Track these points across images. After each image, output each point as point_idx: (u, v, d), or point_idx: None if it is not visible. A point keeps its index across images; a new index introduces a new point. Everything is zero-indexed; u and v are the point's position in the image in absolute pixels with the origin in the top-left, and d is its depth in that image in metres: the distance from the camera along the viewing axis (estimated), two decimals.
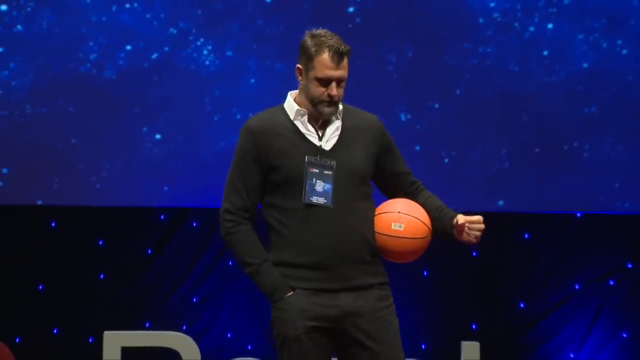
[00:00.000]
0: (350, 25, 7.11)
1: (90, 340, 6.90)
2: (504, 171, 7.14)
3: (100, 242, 7.02)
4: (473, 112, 7.11)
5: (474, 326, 7.16)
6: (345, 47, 3.73)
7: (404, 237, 3.70)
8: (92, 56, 7.01)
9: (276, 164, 3.68)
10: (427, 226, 3.75)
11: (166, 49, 7.05)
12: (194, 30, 7.07)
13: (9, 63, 6.95)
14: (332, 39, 3.74)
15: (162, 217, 7.09)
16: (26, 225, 6.97)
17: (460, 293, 7.16)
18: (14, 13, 6.97)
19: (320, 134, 3.73)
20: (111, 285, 6.98)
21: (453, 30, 7.13)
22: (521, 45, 7.13)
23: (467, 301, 7.16)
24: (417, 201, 3.84)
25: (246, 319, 6.97)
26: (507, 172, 7.13)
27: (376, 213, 3.73)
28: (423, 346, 7.12)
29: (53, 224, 7.01)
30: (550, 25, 7.16)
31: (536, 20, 7.15)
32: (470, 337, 6.96)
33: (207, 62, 7.07)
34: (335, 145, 3.73)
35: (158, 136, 7.04)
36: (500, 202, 7.15)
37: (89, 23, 7.02)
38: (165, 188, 7.02)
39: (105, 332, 6.54)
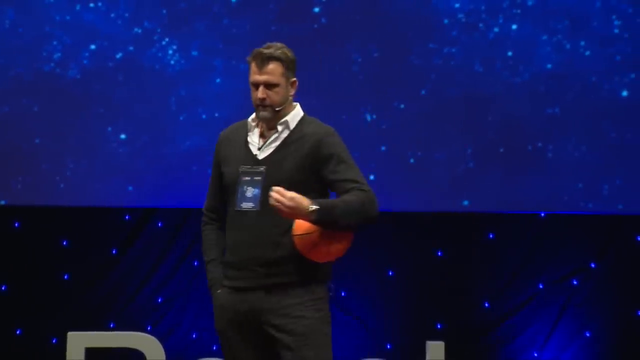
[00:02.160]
0: (315, 26, 7.16)
1: (53, 341, 6.91)
2: (469, 171, 7.20)
3: (65, 243, 7.03)
4: (438, 112, 7.17)
5: (438, 326, 7.22)
6: (269, 51, 3.98)
7: (296, 235, 3.88)
8: (56, 55, 7.02)
9: (222, 169, 4.08)
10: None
11: (131, 48, 7.06)
12: (158, 30, 7.09)
13: None
14: (263, 47, 4.01)
15: (127, 217, 7.09)
16: None
17: (426, 293, 7.21)
18: None
19: (262, 144, 4.03)
20: (76, 285, 6.98)
21: (418, 30, 7.19)
22: (486, 46, 7.20)
23: (432, 301, 7.21)
24: None
25: (211, 319, 6.99)
26: (472, 172, 7.20)
27: None
28: (388, 346, 7.17)
29: (17, 224, 7.02)
30: (514, 26, 7.23)
31: (500, 21, 7.22)
32: (435, 337, 7.01)
33: (172, 62, 7.09)
34: (269, 155, 3.99)
35: (123, 136, 7.05)
36: (465, 202, 7.22)
37: (53, 22, 7.02)
38: (130, 188, 7.03)
39: (69, 333, 6.51)
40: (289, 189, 3.85)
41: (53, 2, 7.02)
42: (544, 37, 7.24)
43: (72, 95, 7.01)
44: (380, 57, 7.19)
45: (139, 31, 7.09)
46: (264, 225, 3.95)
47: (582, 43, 7.25)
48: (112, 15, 7.08)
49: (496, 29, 7.24)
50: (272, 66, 3.99)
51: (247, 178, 3.96)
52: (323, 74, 7.14)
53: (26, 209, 6.99)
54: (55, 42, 7.03)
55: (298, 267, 3.93)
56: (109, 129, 7.05)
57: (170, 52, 7.09)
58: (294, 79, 4.09)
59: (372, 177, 7.17)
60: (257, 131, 4.06)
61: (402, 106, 7.20)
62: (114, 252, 7.06)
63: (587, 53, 7.25)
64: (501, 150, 7.22)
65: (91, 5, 7.06)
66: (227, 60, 7.09)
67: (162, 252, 7.06)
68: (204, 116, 7.08)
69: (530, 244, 7.28)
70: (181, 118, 7.07)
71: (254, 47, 6.98)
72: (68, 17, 7.04)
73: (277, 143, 4.02)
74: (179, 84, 7.08)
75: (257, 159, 4.00)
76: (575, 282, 7.30)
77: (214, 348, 7.03)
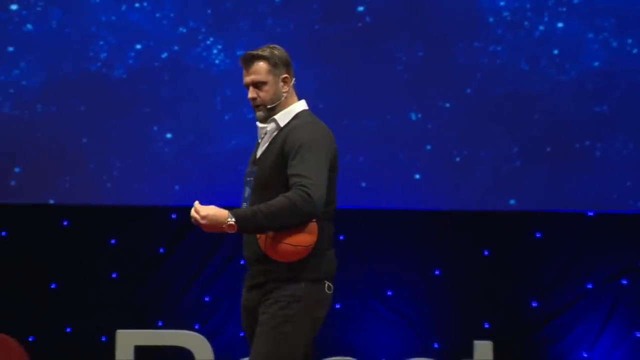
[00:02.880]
0: (360, 25, 7.19)
1: (103, 339, 6.98)
2: (515, 170, 7.21)
3: (113, 241, 7.09)
4: (484, 111, 7.19)
5: (486, 325, 7.22)
6: (250, 52, 4.03)
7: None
8: (103, 55, 7.10)
9: None
10: None
11: (176, 48, 7.14)
12: (203, 30, 7.16)
13: (19, 62, 7.07)
14: (250, 50, 4.06)
15: (173, 216, 7.14)
16: (39, 224, 7.05)
17: (473, 292, 7.21)
18: (24, 12, 7.08)
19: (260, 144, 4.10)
20: (124, 284, 7.05)
21: (463, 29, 7.21)
22: (531, 44, 7.21)
23: (480, 300, 7.21)
24: None
25: None
26: (518, 171, 7.21)
27: None
28: (435, 345, 7.18)
29: (65, 223, 7.08)
30: (560, 24, 7.24)
31: (546, 19, 7.23)
32: (483, 336, 7.02)
33: (217, 61, 7.16)
34: (261, 154, 4.04)
35: (169, 135, 7.13)
36: (512, 201, 7.23)
37: (99, 22, 7.12)
38: (177, 187, 7.11)
39: (118, 331, 6.59)
40: (263, 187, 3.94)
41: (99, 3, 7.13)
42: (590, 35, 7.25)
43: (118, 95, 7.09)
44: (425, 56, 7.21)
45: (184, 31, 7.16)
46: None
47: (630, 41, 7.25)
48: (158, 15, 7.15)
49: (542, 27, 7.26)
50: (256, 66, 4.02)
51: (248, 178, 4.03)
52: (367, 73, 7.18)
53: (74, 207, 7.07)
54: (101, 42, 7.12)
55: (280, 266, 3.93)
56: (155, 128, 7.13)
57: (215, 51, 7.15)
58: (285, 75, 4.06)
59: (417, 177, 7.20)
60: (262, 130, 4.10)
61: (448, 105, 7.22)
62: (161, 250, 7.11)
63: (635, 51, 7.26)
64: (548, 149, 7.24)
65: (137, 5, 7.15)
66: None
67: (209, 251, 7.11)
68: (249, 116, 7.11)
69: (578, 243, 7.26)
70: (226, 117, 7.14)
71: (298, 47, 7.12)
72: (114, 18, 7.13)
73: (268, 142, 4.05)
74: (224, 84, 7.14)
75: (256, 159, 4.07)
76: (624, 282, 7.27)
77: None
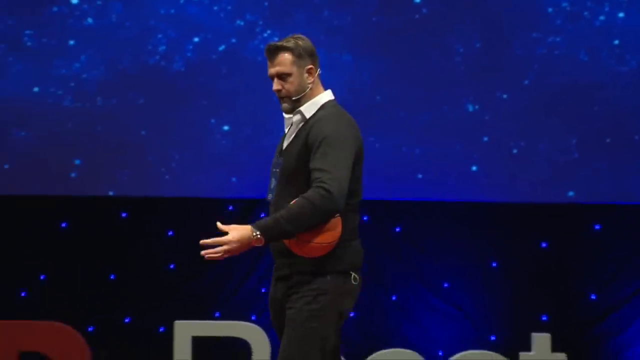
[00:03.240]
0: (417, 16, 7.17)
1: (161, 329, 7.04)
2: (573, 162, 7.14)
3: (170, 233, 7.15)
4: (542, 103, 7.13)
5: (544, 318, 7.18)
6: (274, 43, 4.00)
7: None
8: (161, 48, 7.15)
9: None
10: None
11: (233, 40, 7.16)
12: (260, 22, 7.17)
13: (80, 56, 7.13)
14: (272, 42, 4.05)
15: (230, 208, 7.17)
16: (98, 215, 7.13)
17: (530, 284, 7.17)
18: (85, 6, 7.15)
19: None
20: (181, 275, 7.09)
21: (521, 20, 7.15)
22: (591, 35, 7.14)
23: (537, 292, 7.17)
24: None
25: None
26: (577, 163, 7.14)
27: None
28: (492, 337, 7.15)
29: (124, 215, 7.15)
30: (621, 14, 7.15)
31: (606, 9, 7.15)
32: (540, 329, 6.96)
33: None
34: (287, 146, 4.00)
35: (226, 127, 7.15)
36: (570, 193, 7.18)
37: (158, 15, 7.16)
38: (234, 179, 7.13)
39: (176, 322, 6.61)
40: (288, 178, 3.91)
41: None
42: None
43: (176, 88, 7.12)
44: (482, 48, 7.17)
45: (241, 23, 7.18)
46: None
47: None
48: (215, 8, 7.18)
49: (602, 17, 7.18)
50: (281, 57, 3.96)
51: (274, 169, 3.98)
52: (424, 64, 7.15)
53: (133, 199, 7.13)
54: (160, 36, 7.16)
55: (304, 260, 3.90)
56: (213, 121, 7.16)
57: None
58: (310, 66, 3.99)
59: (474, 168, 7.16)
60: (288, 121, 4.06)
61: (505, 96, 7.18)
62: None
63: None
64: (607, 140, 7.16)
65: None
66: (328, 52, 7.13)
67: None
68: None
69: (637, 235, 7.18)
70: None
71: (355, 39, 7.11)
72: (172, 11, 7.16)
73: (294, 133, 4.01)
74: None
75: (282, 150, 4.03)
76: None
77: None
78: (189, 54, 7.16)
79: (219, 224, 3.88)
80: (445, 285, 7.19)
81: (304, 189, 3.83)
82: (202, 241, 3.87)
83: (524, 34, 7.15)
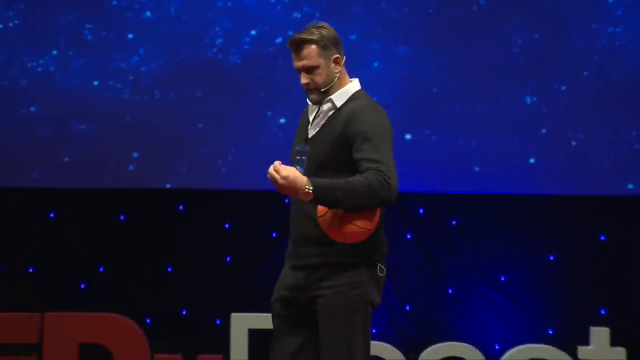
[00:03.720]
0: (475, 8, 7.10)
1: (217, 322, 7.04)
2: (634, 153, 7.05)
3: (227, 225, 7.14)
4: (601, 94, 7.04)
5: (602, 311, 7.09)
6: (298, 36, 3.94)
7: (317, 217, 3.88)
8: (218, 41, 7.14)
9: None
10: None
11: (290, 32, 7.01)
12: (317, 14, 7.12)
13: (138, 49, 7.14)
14: (295, 34, 3.97)
15: (287, 200, 7.11)
16: (155, 208, 7.15)
17: (589, 278, 7.09)
18: (144, 0, 7.15)
19: (312, 123, 4.02)
20: (238, 267, 7.09)
21: (581, 10, 7.06)
22: None
23: (596, 286, 7.09)
24: None
25: None
26: (636, 155, 7.05)
27: None
28: (550, 331, 7.08)
29: (181, 207, 7.16)
30: None
31: None
32: (599, 323, 6.89)
33: None
34: (315, 134, 3.97)
35: (282, 120, 7.12)
36: (630, 186, 7.08)
37: (215, 8, 7.15)
38: None
39: (233, 314, 6.62)
40: (320, 167, 3.87)
41: None
42: None
43: (233, 81, 7.11)
44: (541, 39, 7.08)
45: (298, 16, 7.14)
46: (304, 207, 3.92)
47: None
48: (272, 0, 7.15)
49: None
50: (306, 50, 3.92)
51: (297, 157, 3.91)
52: (482, 56, 7.08)
53: (190, 191, 7.13)
54: (217, 28, 7.14)
55: (337, 249, 3.89)
56: (269, 113, 7.15)
57: None
58: (336, 55, 3.95)
59: (531, 161, 7.08)
60: (312, 111, 4.04)
61: (564, 88, 7.09)
62: (274, 235, 7.14)
63: None
64: None
65: None
66: (386, 44, 7.09)
67: None
68: None
69: None
70: None
71: (413, 31, 7.05)
72: (230, 4, 7.15)
73: (323, 121, 3.98)
74: None
75: (308, 138, 4.00)
76: None
77: (374, 331, 7.05)
78: (245, 47, 7.14)
79: (277, 162, 3.82)
80: (502, 278, 7.13)
81: (328, 177, 3.82)
82: (275, 163, 3.80)
83: (584, 24, 7.06)
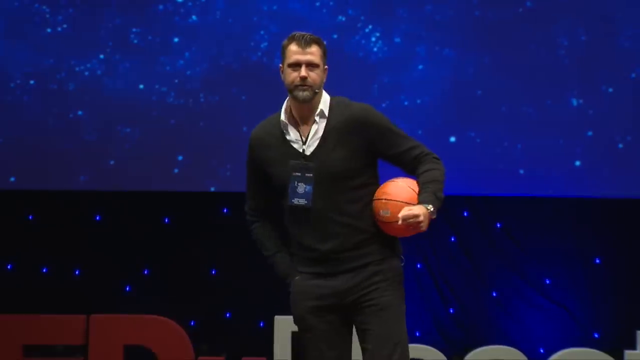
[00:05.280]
0: (520, 10, 6.97)
1: (261, 324, 6.97)
2: None
3: None
4: None
5: None
6: (310, 36, 3.95)
7: (392, 222, 3.83)
8: (263, 45, 7.05)
9: (268, 171, 4.00)
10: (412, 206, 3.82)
11: (335, 36, 7.03)
12: (362, 17, 7.03)
13: (184, 52, 7.07)
14: (300, 33, 3.98)
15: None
16: (200, 211, 7.09)
17: (635, 281, 6.96)
18: (189, 3, 7.09)
19: (304, 138, 3.94)
20: None
21: (628, 11, 6.91)
22: None
23: None
24: (416, 176, 3.95)
25: (414, 306, 6.90)
26: None
27: (374, 197, 3.93)
28: (596, 335, 6.95)
29: (225, 210, 7.10)
30: None
31: None
32: None
33: (375, 49, 7.02)
34: (315, 149, 3.92)
35: None
36: None
37: (260, 12, 7.06)
38: None
39: (276, 317, 6.55)
40: (345, 176, 3.87)
41: None
42: None
43: (278, 85, 6.93)
44: (587, 40, 6.95)
45: (343, 19, 7.06)
46: (331, 218, 3.89)
47: None
48: (317, 4, 7.07)
49: None
50: (313, 48, 3.93)
51: (297, 174, 3.89)
52: (528, 58, 6.96)
53: (234, 195, 6.89)
54: (262, 32, 7.07)
55: (375, 247, 3.92)
56: None
57: (374, 39, 7.05)
58: (326, 66, 4.01)
59: (577, 163, 6.96)
60: (292, 128, 3.97)
61: (610, 90, 6.95)
62: None
63: None
64: None
65: None
66: (430, 47, 6.99)
67: None
68: (405, 103, 6.99)
69: None
70: (383, 105, 6.99)
71: (457, 33, 6.92)
72: (275, 7, 7.08)
73: (319, 135, 3.92)
74: (381, 71, 7.01)
75: (305, 155, 3.92)
76: None
77: (417, 334, 6.94)
78: None
79: (405, 212, 3.73)
80: (547, 281, 7.00)
81: (357, 182, 3.86)
82: (403, 214, 3.72)
83: (631, 26, 6.91)
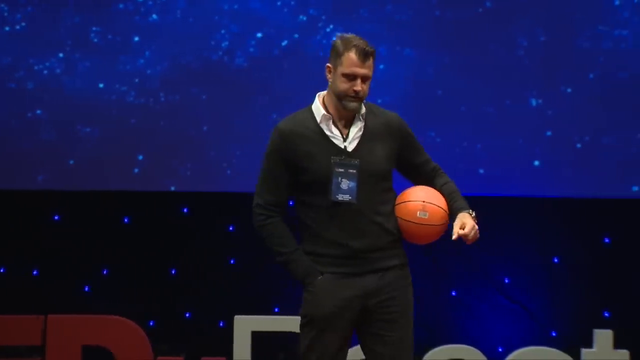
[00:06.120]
0: (480, 10, 6.94)
1: (221, 324, 6.90)
2: (638, 156, 6.88)
3: (231, 228, 7.00)
4: (607, 96, 6.87)
5: (606, 314, 6.94)
6: (370, 48, 3.94)
7: (428, 224, 3.97)
8: (224, 44, 6.99)
9: (303, 165, 3.93)
10: (447, 213, 4.03)
11: (296, 36, 6.98)
12: (323, 17, 6.98)
13: (144, 51, 6.99)
14: (360, 40, 3.95)
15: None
16: (160, 211, 7.01)
17: (592, 280, 6.94)
18: (150, 2, 7.01)
19: (344, 136, 3.95)
20: (241, 270, 6.96)
21: (587, 13, 6.90)
22: None
23: (599, 288, 6.94)
24: (434, 186, 4.09)
25: None
26: None
27: (400, 201, 4.00)
28: (553, 333, 6.93)
29: (185, 210, 7.02)
30: None
31: None
32: (602, 325, 6.71)
33: None
34: (357, 146, 3.94)
35: None
36: (635, 188, 6.91)
37: (221, 11, 6.99)
38: None
39: (236, 317, 6.48)
40: (383, 177, 3.95)
41: None
42: None
43: (238, 83, 7.03)
44: (546, 41, 6.94)
45: (304, 19, 7.02)
46: (368, 217, 3.93)
47: None
48: (279, 3, 7.02)
49: None
50: (371, 61, 3.95)
51: (340, 170, 3.89)
52: (488, 58, 6.94)
53: (194, 194, 7.02)
54: (223, 31, 7.00)
55: (399, 251, 4.02)
56: (274, 116, 6.96)
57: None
58: None
59: (536, 163, 6.95)
60: (332, 124, 3.97)
61: (569, 90, 6.93)
62: None
63: None
64: None
65: None
66: (391, 47, 6.93)
67: None
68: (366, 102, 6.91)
69: None
70: None
71: (418, 33, 6.88)
72: (236, 6, 7.01)
73: (360, 133, 3.96)
74: None
75: (348, 152, 3.93)
76: None
77: None
78: (251, 50, 7.00)
79: (458, 232, 3.92)
80: (507, 280, 6.97)
81: (387, 184, 3.96)
82: (462, 233, 3.91)
83: (590, 27, 6.90)
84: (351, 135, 3.94)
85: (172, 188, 6.98)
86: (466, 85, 6.90)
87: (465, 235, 3.89)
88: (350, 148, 3.92)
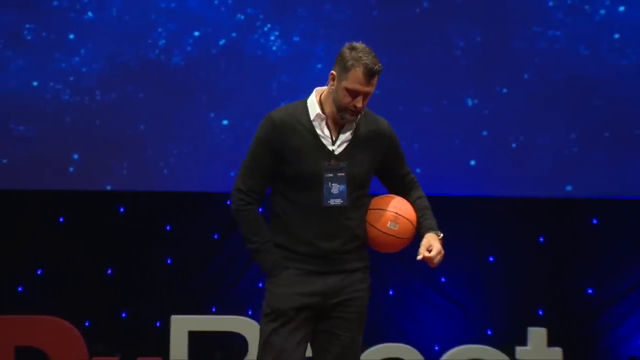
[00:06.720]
0: (417, 10, 6.94)
1: (157, 324, 6.82)
2: (572, 156, 6.94)
3: (168, 227, 6.93)
4: (542, 97, 6.92)
5: (540, 312, 6.97)
6: (379, 66, 3.93)
7: (395, 236, 4.01)
8: (161, 42, 6.91)
9: (289, 159, 3.90)
10: (415, 228, 4.07)
11: (234, 35, 6.93)
12: (261, 16, 6.94)
13: (79, 49, 6.88)
14: (369, 57, 3.92)
15: (228, 202, 6.89)
16: (96, 210, 6.91)
17: (527, 279, 6.97)
18: (85, 0, 6.90)
19: (334, 138, 3.94)
20: (178, 270, 6.89)
21: (522, 14, 6.94)
22: (592, 29, 6.91)
23: (534, 287, 6.98)
24: (408, 199, 4.11)
25: None
26: (576, 157, 6.93)
27: (374, 207, 4.02)
28: (489, 332, 6.96)
29: (122, 209, 6.93)
30: (621, 8, 6.93)
31: (607, 3, 6.93)
32: (536, 323, 6.77)
33: (274, 48, 6.93)
34: (344, 151, 3.94)
35: (225, 122, 6.91)
36: (569, 187, 6.95)
37: (158, 9, 6.92)
38: (232, 173, 6.86)
39: (173, 317, 6.46)
40: (361, 183, 3.95)
41: None
42: None
43: (175, 82, 6.98)
44: (482, 42, 6.97)
45: (242, 18, 6.96)
46: (341, 221, 3.94)
47: None
48: (216, 2, 6.96)
49: (602, 11, 6.98)
50: (376, 79, 3.95)
51: (330, 175, 3.89)
52: (424, 59, 6.95)
53: (131, 194, 6.93)
54: (160, 29, 6.93)
55: (365, 254, 4.05)
56: (212, 115, 6.96)
57: (272, 38, 6.97)
58: None
59: (472, 163, 6.97)
60: (323, 124, 3.95)
61: (505, 91, 6.98)
62: (215, 237, 6.92)
63: None
64: (606, 134, 6.96)
65: None
66: (329, 46, 6.89)
67: None
68: None
69: (635, 229, 6.96)
70: (283, 104, 6.79)
71: (355, 33, 6.85)
72: (173, 5, 6.95)
73: (350, 138, 3.96)
74: (280, 70, 6.93)
75: (335, 155, 3.92)
76: None
77: None
78: (188, 48, 6.93)
79: (425, 254, 4.01)
80: (443, 279, 6.98)
81: (364, 190, 3.97)
82: (426, 256, 4.01)
83: (525, 28, 6.94)
84: (340, 138, 3.93)
85: (108, 187, 6.90)
86: (403, 85, 6.90)
87: (431, 259, 3.95)
88: (337, 151, 3.92)
